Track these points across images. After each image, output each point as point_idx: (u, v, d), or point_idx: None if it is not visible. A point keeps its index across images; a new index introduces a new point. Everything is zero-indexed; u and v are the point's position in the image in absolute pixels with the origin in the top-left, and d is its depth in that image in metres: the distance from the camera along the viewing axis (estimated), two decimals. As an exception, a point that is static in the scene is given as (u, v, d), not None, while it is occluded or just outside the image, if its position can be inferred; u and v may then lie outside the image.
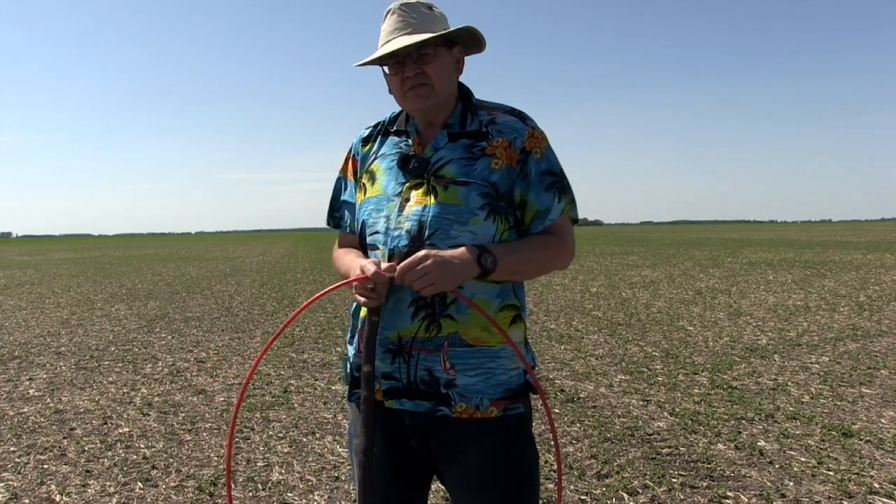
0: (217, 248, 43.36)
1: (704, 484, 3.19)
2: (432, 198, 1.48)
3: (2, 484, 3.37)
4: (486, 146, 1.51)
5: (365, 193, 1.60)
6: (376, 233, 1.54)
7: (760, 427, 3.99)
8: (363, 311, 1.52)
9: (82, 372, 5.92)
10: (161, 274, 18.46)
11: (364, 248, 1.59)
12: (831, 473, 3.28)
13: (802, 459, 3.47)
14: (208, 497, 3.17)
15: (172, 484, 3.33)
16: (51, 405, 4.83)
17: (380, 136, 1.65)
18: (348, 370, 1.63)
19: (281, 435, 4.04)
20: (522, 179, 1.50)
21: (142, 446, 3.89)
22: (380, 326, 1.49)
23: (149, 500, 3.16)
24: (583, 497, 3.09)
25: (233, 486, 3.29)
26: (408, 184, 1.52)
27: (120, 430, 4.21)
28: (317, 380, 5.42)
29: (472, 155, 1.51)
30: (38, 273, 20.13)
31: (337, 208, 1.72)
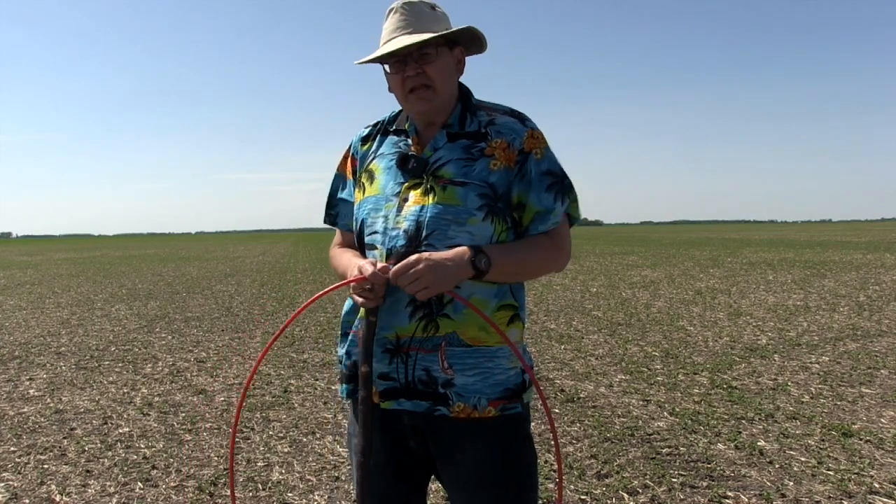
0: (217, 248, 43.37)
1: (704, 484, 3.19)
2: (430, 198, 1.48)
3: (2, 484, 3.38)
4: (484, 147, 1.51)
5: (363, 193, 1.60)
6: (374, 232, 1.54)
7: (760, 427, 4.00)
8: (361, 312, 1.52)
9: (82, 372, 5.92)
10: (161, 274, 18.46)
11: (362, 247, 1.59)
12: (831, 473, 3.28)
13: (802, 459, 3.47)
14: (208, 497, 3.17)
15: (172, 484, 3.34)
16: (51, 405, 4.83)
17: (379, 136, 1.65)
18: (343, 366, 1.63)
19: (281, 435, 4.04)
20: (521, 180, 1.50)
21: (142, 446, 3.90)
22: (377, 327, 1.49)
23: (149, 500, 3.16)
24: (583, 497, 3.09)
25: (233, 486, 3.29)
26: (406, 184, 1.52)
27: (120, 430, 4.21)
28: (317, 380, 5.42)
29: (470, 156, 1.51)
30: (39, 273, 20.13)
31: (333, 206, 1.72)
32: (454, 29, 1.52)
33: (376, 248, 1.53)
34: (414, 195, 1.50)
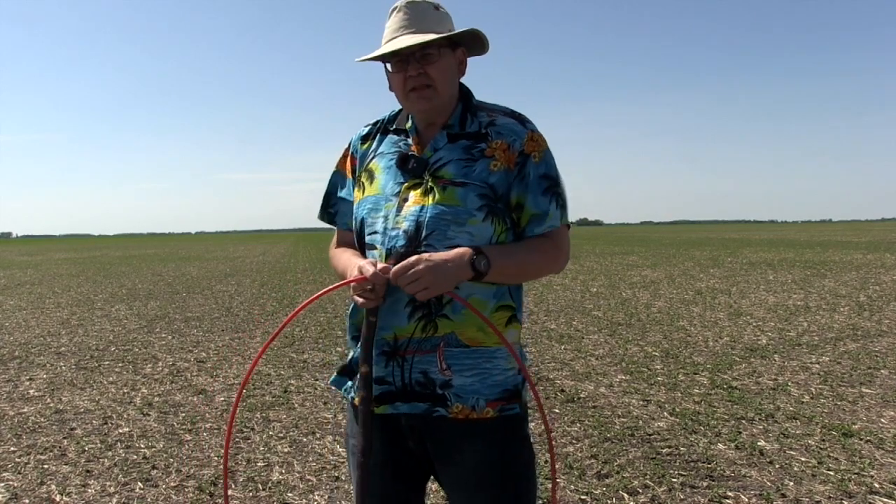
0: (217, 248, 43.37)
1: (704, 484, 3.19)
2: (430, 198, 1.48)
3: (2, 484, 3.37)
4: (485, 148, 1.51)
5: (363, 192, 1.59)
6: (374, 232, 1.53)
7: (760, 427, 3.99)
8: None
9: (82, 372, 5.92)
10: (161, 274, 18.46)
11: (361, 247, 1.59)
12: (831, 473, 3.28)
13: (802, 459, 3.47)
14: (208, 497, 3.17)
15: (173, 484, 3.33)
16: (51, 405, 4.83)
17: (379, 135, 1.64)
18: (348, 362, 1.63)
19: (281, 435, 4.04)
20: (520, 182, 1.50)
21: (142, 446, 3.89)
22: (377, 327, 1.49)
23: (149, 500, 3.16)
24: (583, 497, 3.09)
25: (233, 486, 3.29)
26: (406, 184, 1.52)
27: (120, 430, 4.21)
28: (317, 380, 5.42)
29: (470, 156, 1.50)
30: (39, 273, 20.13)
31: (332, 204, 1.72)
32: (458, 31, 1.51)
33: (376, 248, 1.52)
34: (414, 195, 1.50)
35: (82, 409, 4.71)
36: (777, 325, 7.52)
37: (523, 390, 1.55)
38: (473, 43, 1.57)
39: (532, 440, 1.61)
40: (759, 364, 5.65)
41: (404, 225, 1.48)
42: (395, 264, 1.41)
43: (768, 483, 3.18)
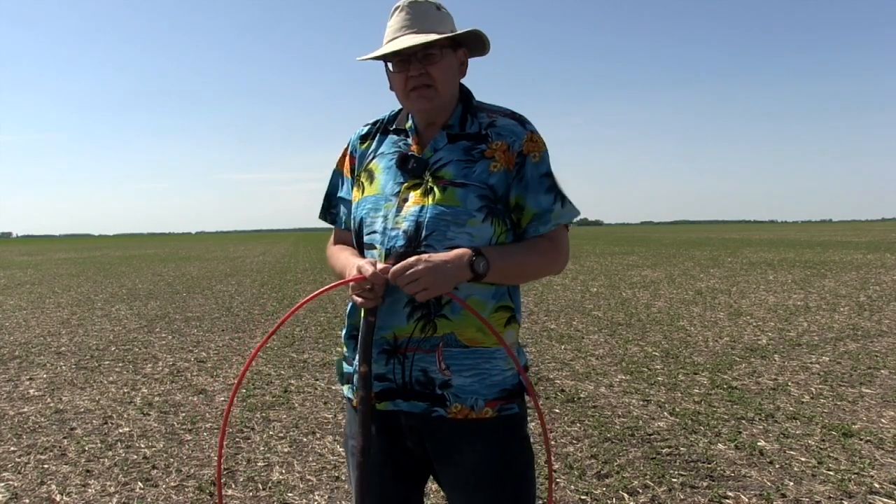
0: (217, 248, 43.37)
1: (704, 484, 3.19)
2: (430, 199, 1.48)
3: (2, 484, 3.38)
4: (485, 149, 1.51)
5: (363, 192, 1.59)
6: (374, 232, 1.53)
7: (760, 427, 3.99)
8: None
9: (82, 372, 5.92)
10: (161, 274, 18.46)
11: (360, 246, 1.59)
12: (831, 473, 3.28)
13: (802, 459, 3.47)
14: (208, 497, 3.17)
15: (173, 484, 3.34)
16: (51, 405, 4.83)
17: (378, 134, 1.64)
18: (341, 368, 1.63)
19: (281, 435, 4.04)
20: (519, 182, 1.50)
21: (142, 446, 3.89)
22: (376, 327, 1.49)
23: (149, 499, 3.16)
24: (583, 497, 3.09)
25: (233, 486, 3.29)
26: (406, 184, 1.52)
27: (120, 430, 4.21)
28: (317, 380, 5.42)
29: (471, 157, 1.50)
30: (39, 273, 20.13)
31: (333, 205, 1.72)
32: (460, 31, 1.51)
33: (375, 248, 1.52)
34: (413, 195, 1.50)
35: (82, 409, 4.71)
36: (777, 325, 7.52)
37: (525, 391, 1.55)
38: (475, 44, 1.57)
39: (532, 440, 1.61)
40: (759, 364, 5.65)
41: (404, 225, 1.48)
42: (394, 264, 1.41)
43: (768, 483, 3.18)
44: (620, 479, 3.26)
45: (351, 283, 1.45)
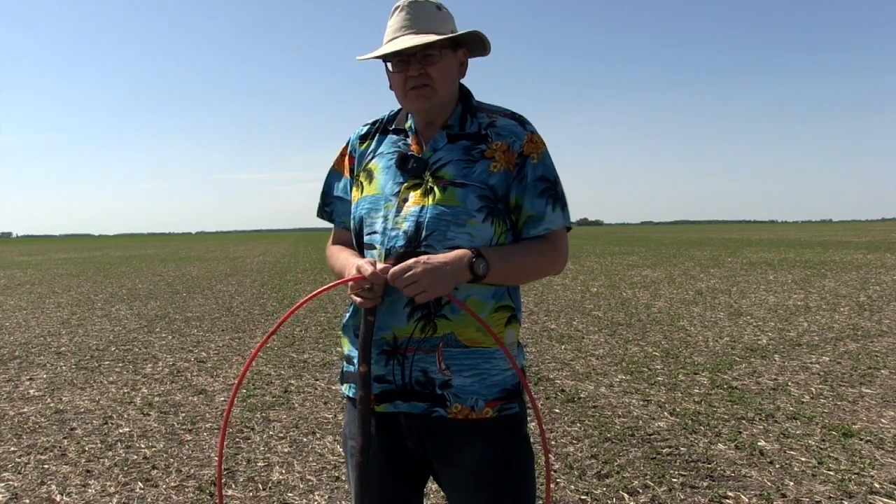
0: (217, 248, 43.37)
1: (705, 484, 3.19)
2: (430, 199, 1.48)
3: (2, 484, 3.37)
4: (485, 149, 1.51)
5: (362, 192, 1.59)
6: (374, 232, 1.53)
7: (761, 427, 3.99)
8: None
9: (82, 372, 5.92)
10: (161, 274, 18.46)
11: (360, 246, 1.59)
12: (831, 473, 3.28)
13: (803, 459, 3.47)
14: (209, 497, 3.17)
15: (173, 484, 3.33)
16: (51, 405, 4.83)
17: (378, 134, 1.64)
18: (343, 368, 1.63)
19: (281, 435, 4.04)
20: (519, 183, 1.50)
21: (142, 446, 3.89)
22: (375, 326, 1.49)
23: (149, 500, 3.16)
24: (583, 497, 3.09)
25: (233, 486, 3.29)
26: (406, 184, 1.52)
27: (120, 430, 4.21)
28: (317, 380, 5.42)
29: (470, 157, 1.50)
30: (39, 273, 20.13)
31: (328, 203, 1.72)
32: (460, 32, 1.51)
33: (375, 248, 1.52)
34: (413, 196, 1.50)
35: (82, 409, 4.71)
36: (777, 325, 7.52)
37: (523, 390, 1.55)
38: (475, 44, 1.57)
39: (532, 440, 1.61)
40: (760, 364, 5.65)
41: (404, 225, 1.48)
42: (394, 264, 1.41)
43: (768, 483, 3.18)
44: (620, 479, 3.26)
45: (350, 283, 1.45)
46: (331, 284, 1.50)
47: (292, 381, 5.36)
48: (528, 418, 1.61)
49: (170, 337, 7.69)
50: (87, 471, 3.53)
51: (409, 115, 1.59)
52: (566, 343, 6.74)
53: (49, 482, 3.39)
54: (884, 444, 3.65)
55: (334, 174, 1.70)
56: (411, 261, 1.39)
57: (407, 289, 1.38)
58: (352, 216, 1.61)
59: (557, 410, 4.42)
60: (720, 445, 3.69)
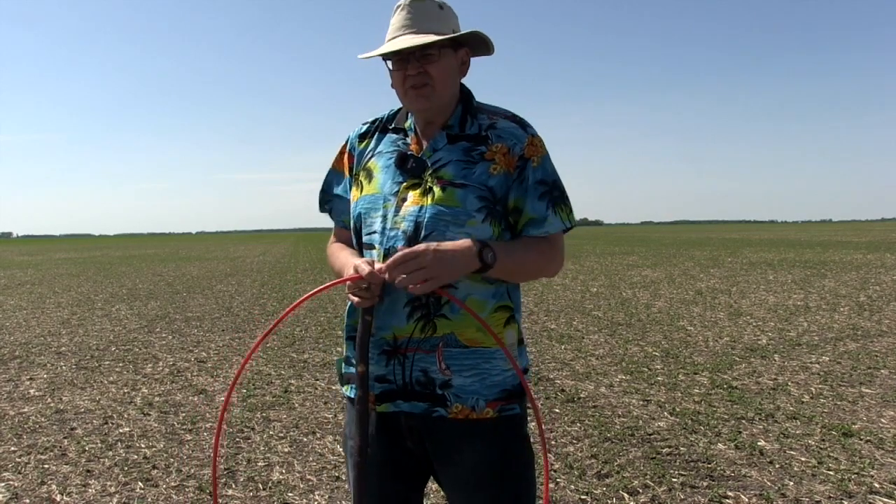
0: (217, 247, 43.37)
1: (705, 484, 3.19)
2: (429, 199, 1.48)
3: (2, 484, 3.38)
4: (485, 151, 1.51)
5: (361, 191, 1.59)
6: (373, 232, 1.53)
7: (760, 427, 4.00)
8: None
9: (83, 372, 5.92)
10: (161, 274, 18.47)
11: (359, 245, 1.59)
12: (831, 473, 3.28)
13: (802, 459, 3.47)
14: (209, 497, 3.17)
15: (173, 484, 3.34)
16: (51, 405, 4.83)
17: (377, 133, 1.64)
18: (341, 369, 1.63)
19: (281, 435, 4.04)
20: (518, 186, 1.50)
21: (142, 446, 3.90)
22: (374, 326, 1.49)
23: (149, 499, 3.16)
24: (583, 497, 3.09)
25: (233, 486, 3.29)
26: (405, 183, 1.52)
27: (120, 430, 4.21)
28: (317, 380, 5.42)
29: (470, 158, 1.50)
30: (39, 273, 20.14)
31: (328, 201, 1.72)
32: (459, 33, 1.51)
33: (374, 248, 1.52)
34: (412, 195, 1.50)
35: (83, 409, 4.71)
36: (777, 325, 7.53)
37: (523, 391, 1.55)
38: (478, 44, 1.56)
39: (532, 440, 1.61)
40: (759, 364, 5.65)
41: (403, 225, 1.48)
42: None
43: (768, 483, 3.18)
44: (620, 478, 3.26)
45: (347, 283, 1.45)
46: (327, 284, 1.50)
47: (292, 381, 5.37)
48: (529, 418, 1.62)
49: (170, 337, 7.69)
50: (88, 471, 3.53)
51: (409, 114, 1.59)
52: (566, 343, 6.75)
53: (49, 482, 3.39)
54: (884, 444, 3.66)
55: (333, 172, 1.70)
56: (420, 246, 1.38)
57: (414, 274, 1.36)
58: (351, 215, 1.61)
59: (557, 410, 4.42)
60: (720, 445, 3.69)
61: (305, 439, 3.96)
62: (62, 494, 3.23)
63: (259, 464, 3.58)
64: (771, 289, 11.16)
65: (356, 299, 1.46)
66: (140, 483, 3.35)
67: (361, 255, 1.57)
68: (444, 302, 1.46)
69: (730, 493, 3.08)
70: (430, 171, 1.51)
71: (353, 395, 1.59)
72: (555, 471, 3.39)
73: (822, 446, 3.65)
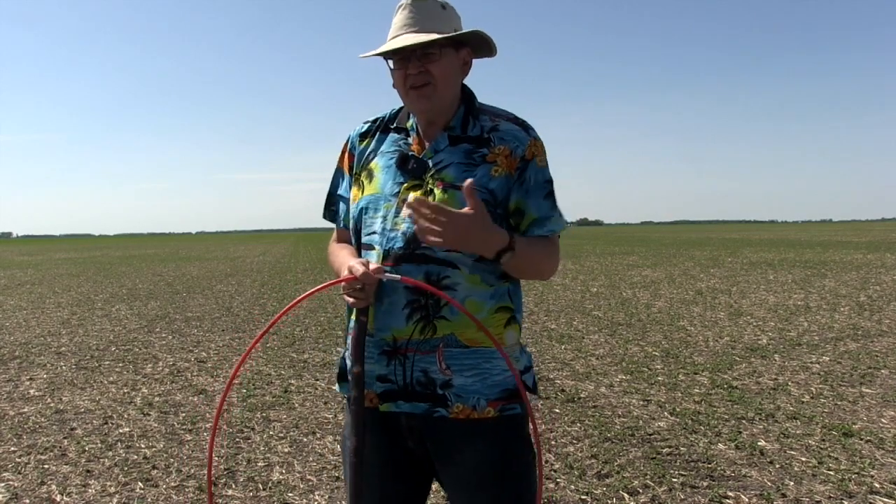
0: (217, 247, 43.36)
1: (705, 484, 3.19)
2: (430, 200, 1.48)
3: (2, 484, 3.38)
4: (486, 153, 1.51)
5: (362, 191, 1.58)
6: (373, 233, 1.53)
7: (761, 427, 3.99)
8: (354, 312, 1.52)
9: (83, 372, 5.92)
10: (161, 274, 18.46)
11: (358, 246, 1.59)
12: (832, 473, 3.28)
13: (803, 459, 3.47)
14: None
15: (173, 484, 3.34)
16: (51, 405, 4.83)
17: (379, 133, 1.63)
18: (343, 368, 1.63)
19: (281, 435, 4.04)
20: (519, 187, 1.50)
21: (142, 446, 3.90)
22: (374, 328, 1.49)
23: (149, 499, 3.16)
24: (583, 497, 3.09)
25: (233, 486, 3.29)
26: (406, 184, 1.52)
27: (120, 430, 4.21)
28: (317, 380, 5.42)
29: (472, 161, 1.50)
30: (39, 273, 20.13)
31: (333, 202, 1.71)
32: (460, 32, 1.51)
33: (374, 249, 1.52)
34: (413, 196, 1.50)
35: (82, 409, 4.71)
36: (777, 325, 7.52)
37: (527, 391, 1.55)
38: (479, 44, 1.56)
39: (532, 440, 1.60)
40: (760, 364, 5.65)
41: (403, 226, 1.48)
42: (392, 266, 1.41)
43: (768, 483, 3.18)
44: (620, 479, 3.26)
45: (342, 283, 1.45)
46: (322, 286, 1.50)
47: (292, 381, 5.37)
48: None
49: (170, 337, 7.69)
50: (88, 471, 3.53)
51: (411, 114, 1.59)
52: (566, 343, 6.75)
53: (49, 482, 3.39)
54: (884, 444, 3.65)
55: (339, 172, 1.70)
56: (467, 210, 1.34)
57: (433, 222, 1.33)
58: (351, 215, 1.61)
59: (557, 410, 4.42)
60: (720, 445, 3.69)
61: (305, 439, 3.96)
62: (62, 494, 3.23)
63: (259, 464, 3.58)
64: (771, 289, 11.16)
65: (351, 300, 1.45)
66: (140, 483, 3.35)
67: (360, 255, 1.57)
68: (443, 304, 1.46)
69: (730, 494, 3.08)
70: (431, 173, 1.50)
71: (348, 395, 1.59)
72: (555, 471, 3.39)
73: (822, 446, 3.65)
